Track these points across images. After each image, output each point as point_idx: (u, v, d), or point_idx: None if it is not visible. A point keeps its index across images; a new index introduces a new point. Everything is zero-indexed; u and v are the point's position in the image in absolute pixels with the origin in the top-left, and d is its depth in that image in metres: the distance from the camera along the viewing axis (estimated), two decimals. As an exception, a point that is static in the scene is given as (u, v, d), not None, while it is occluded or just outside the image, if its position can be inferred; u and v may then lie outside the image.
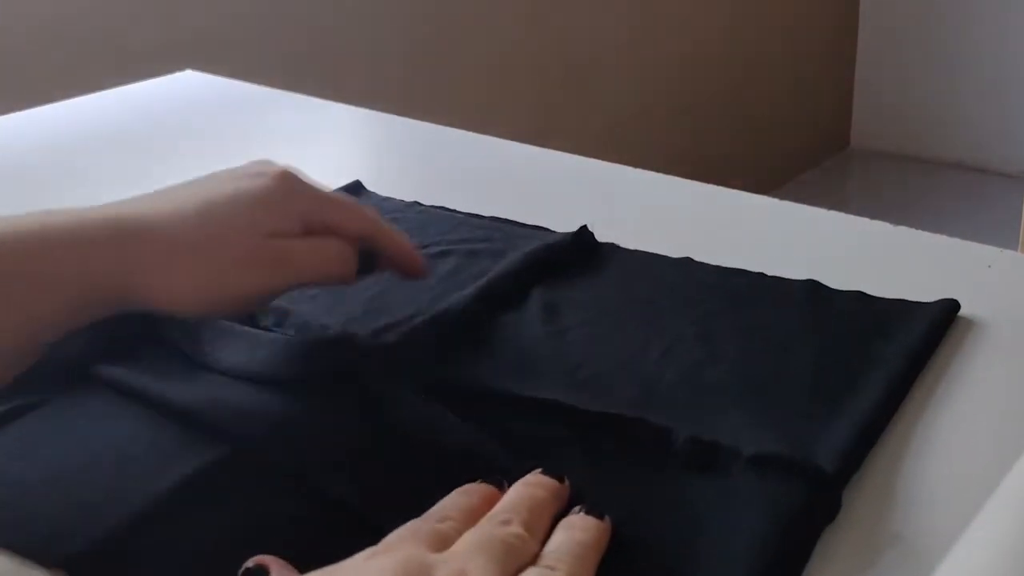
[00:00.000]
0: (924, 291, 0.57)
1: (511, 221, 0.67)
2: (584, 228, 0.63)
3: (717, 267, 0.60)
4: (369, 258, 0.52)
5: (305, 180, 0.50)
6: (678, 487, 0.42)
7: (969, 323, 0.55)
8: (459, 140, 0.85)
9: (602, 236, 0.64)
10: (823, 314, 0.54)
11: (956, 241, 0.63)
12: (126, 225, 0.46)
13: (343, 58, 1.69)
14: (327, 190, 0.52)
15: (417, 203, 0.70)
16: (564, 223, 0.65)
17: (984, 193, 2.73)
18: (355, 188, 0.72)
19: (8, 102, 0.96)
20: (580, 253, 0.62)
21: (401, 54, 1.80)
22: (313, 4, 1.63)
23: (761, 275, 0.59)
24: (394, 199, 0.71)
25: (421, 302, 0.56)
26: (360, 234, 0.50)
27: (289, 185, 0.49)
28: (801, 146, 2.88)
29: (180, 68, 1.04)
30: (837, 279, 0.59)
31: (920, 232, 0.65)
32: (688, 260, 0.61)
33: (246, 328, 0.50)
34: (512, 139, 0.83)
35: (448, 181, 0.77)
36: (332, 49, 1.67)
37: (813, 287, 0.57)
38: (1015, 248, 0.63)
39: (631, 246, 0.64)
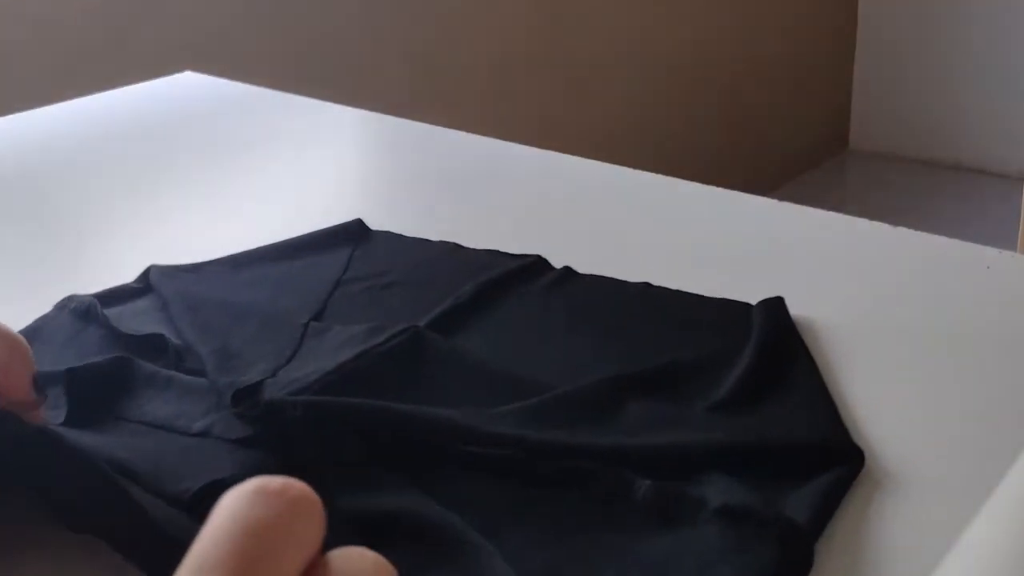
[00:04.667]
0: (923, 292, 0.58)
1: (463, 247, 0.64)
2: (539, 258, 0.61)
3: (676, 293, 0.58)
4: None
5: None
6: (640, 538, 0.40)
7: (968, 324, 0.55)
8: (458, 141, 0.85)
9: (601, 237, 0.64)
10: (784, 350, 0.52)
11: (955, 242, 0.63)
12: None
13: (343, 59, 1.69)
14: None
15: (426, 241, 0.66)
16: (564, 223, 0.65)
17: (983, 194, 2.73)
18: (358, 226, 0.67)
19: (8, 102, 0.96)
20: (533, 280, 0.59)
21: (401, 55, 1.80)
22: (313, 5, 1.63)
23: (726, 303, 0.56)
24: (404, 236, 0.66)
25: (359, 336, 0.52)
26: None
27: None
28: (800, 147, 2.88)
29: (180, 69, 1.04)
30: (835, 280, 0.60)
31: (919, 233, 0.65)
32: (646, 286, 0.58)
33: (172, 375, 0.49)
34: (511, 140, 0.84)
35: (447, 182, 0.77)
36: (332, 50, 1.67)
37: (772, 310, 0.55)
38: (1014, 249, 0.63)
39: (631, 246, 0.64)
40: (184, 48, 1.45)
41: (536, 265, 0.61)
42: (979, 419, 0.47)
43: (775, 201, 0.71)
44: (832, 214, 0.68)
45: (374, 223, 0.67)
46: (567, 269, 0.60)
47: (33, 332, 0.55)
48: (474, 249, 0.64)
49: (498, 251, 0.63)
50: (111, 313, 0.55)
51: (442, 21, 1.86)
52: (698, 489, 0.41)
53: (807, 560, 0.38)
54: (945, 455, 0.45)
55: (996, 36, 2.77)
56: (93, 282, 0.61)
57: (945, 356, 0.52)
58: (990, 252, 0.62)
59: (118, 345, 0.52)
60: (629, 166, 0.77)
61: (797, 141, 2.86)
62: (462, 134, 0.86)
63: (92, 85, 0.99)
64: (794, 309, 0.57)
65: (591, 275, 0.60)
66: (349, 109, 0.94)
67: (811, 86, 2.86)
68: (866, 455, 0.44)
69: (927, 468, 0.44)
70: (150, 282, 0.59)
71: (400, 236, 0.66)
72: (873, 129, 3.02)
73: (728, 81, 2.53)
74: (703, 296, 0.57)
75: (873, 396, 0.49)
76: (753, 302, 0.56)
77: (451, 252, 0.64)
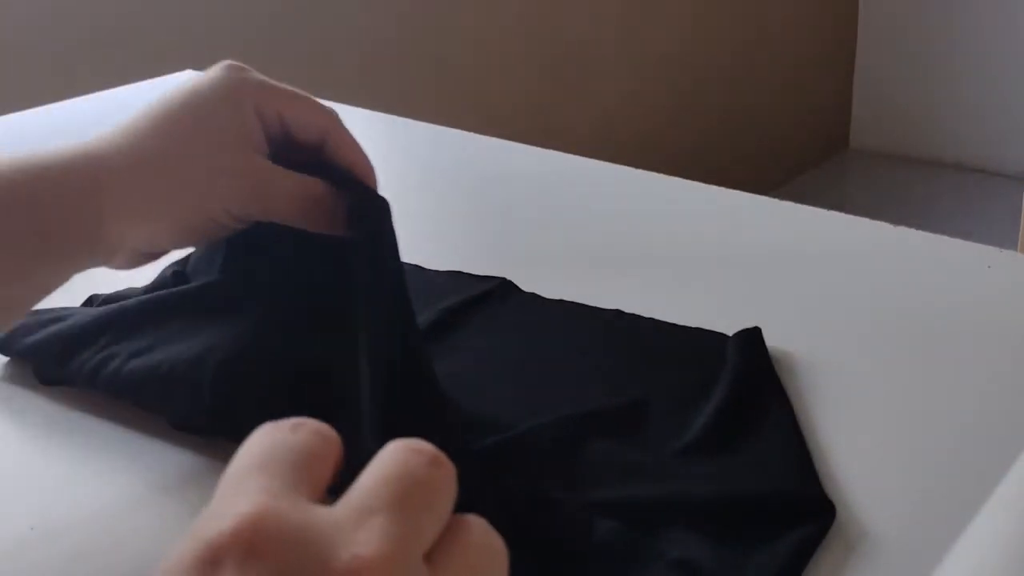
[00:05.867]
0: (924, 291, 0.57)
1: (425, 269, 0.61)
2: (503, 282, 0.59)
3: (649, 321, 0.55)
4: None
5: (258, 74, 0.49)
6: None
7: (969, 323, 0.55)
8: (457, 140, 0.85)
9: (600, 237, 0.64)
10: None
11: (956, 241, 0.63)
12: (85, 176, 0.45)
13: (342, 58, 1.69)
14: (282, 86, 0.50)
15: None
16: (564, 222, 0.65)
17: (983, 193, 2.73)
18: None
19: (8, 102, 0.96)
20: (496, 307, 0.57)
21: (399, 54, 1.80)
22: (313, 4, 1.63)
23: (700, 333, 0.54)
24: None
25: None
26: (317, 131, 0.48)
27: (240, 74, 0.48)
28: (800, 146, 2.88)
29: (180, 68, 1.04)
30: (836, 280, 0.60)
31: (919, 232, 0.64)
32: (617, 314, 0.56)
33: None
34: (510, 139, 0.83)
35: (446, 181, 0.77)
36: (331, 49, 1.67)
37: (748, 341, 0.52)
38: (1014, 248, 0.63)
39: (631, 246, 0.64)
40: (184, 48, 1.45)
41: (500, 290, 0.58)
42: (979, 419, 0.47)
43: (776, 200, 0.71)
44: (833, 213, 0.68)
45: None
46: (533, 296, 0.58)
47: (64, 313, 0.56)
48: (436, 271, 0.61)
49: (461, 273, 0.60)
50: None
51: (439, 21, 1.86)
52: (658, 541, 0.40)
53: None
54: (940, 459, 0.45)
55: (997, 35, 2.77)
56: (98, 281, 0.61)
57: (946, 355, 0.52)
58: (991, 251, 0.62)
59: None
60: (629, 165, 0.77)
61: (798, 140, 2.86)
62: (460, 133, 0.86)
63: (92, 84, 0.99)
64: (795, 308, 0.57)
65: (559, 301, 0.57)
66: (348, 108, 0.93)
67: (812, 85, 2.86)
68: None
69: (917, 479, 0.44)
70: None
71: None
72: (874, 128, 3.02)
73: (729, 80, 2.53)
74: (676, 325, 0.54)
75: (874, 395, 0.49)
76: (754, 301, 0.56)
77: (411, 274, 0.56)
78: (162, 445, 0.48)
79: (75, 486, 0.46)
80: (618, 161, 0.78)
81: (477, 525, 0.26)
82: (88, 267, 0.47)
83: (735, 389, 0.48)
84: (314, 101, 0.49)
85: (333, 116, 0.49)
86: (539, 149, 0.81)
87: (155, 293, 0.55)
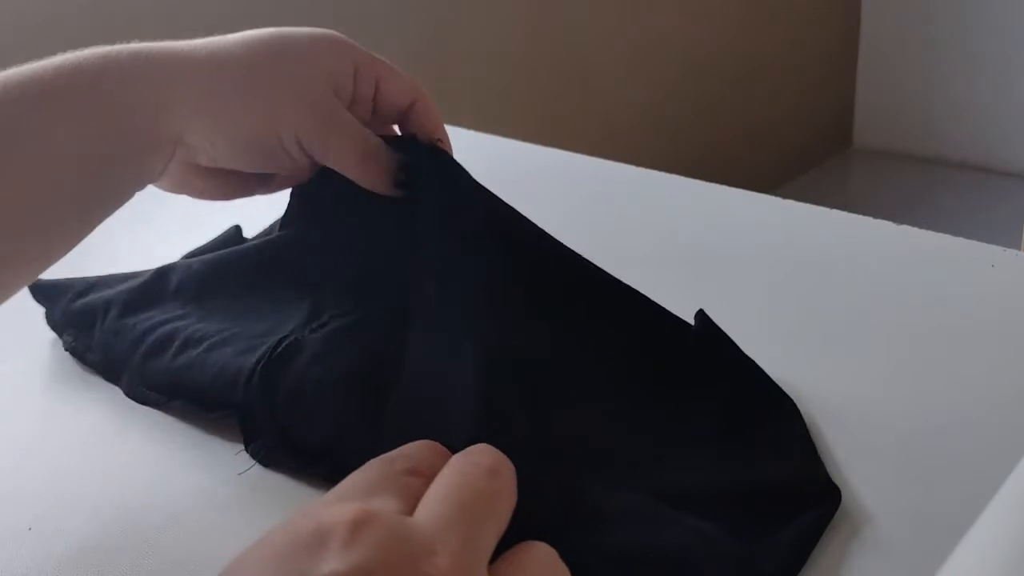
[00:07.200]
0: (927, 291, 0.57)
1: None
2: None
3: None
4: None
5: None
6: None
7: (973, 323, 0.54)
8: (458, 139, 0.85)
9: (600, 235, 0.63)
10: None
11: (959, 240, 0.63)
12: (154, 63, 0.45)
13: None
14: None
15: None
16: (563, 222, 0.65)
17: (988, 192, 2.72)
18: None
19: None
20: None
21: (401, 53, 1.80)
22: (312, 4, 1.62)
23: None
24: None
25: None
26: (408, 96, 0.50)
27: (342, 37, 0.50)
28: (803, 145, 2.87)
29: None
30: (839, 279, 0.59)
31: (923, 231, 0.64)
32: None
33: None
34: (514, 137, 0.83)
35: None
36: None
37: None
38: (1019, 248, 0.62)
39: (631, 245, 0.64)
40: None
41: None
42: (983, 418, 0.47)
43: (779, 199, 0.71)
44: (836, 212, 0.68)
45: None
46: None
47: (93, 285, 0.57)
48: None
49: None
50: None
51: (442, 20, 1.85)
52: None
53: None
54: (943, 459, 0.45)
55: (1001, 33, 2.77)
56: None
57: (948, 355, 0.52)
58: (995, 250, 0.61)
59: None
60: (632, 163, 0.77)
61: (801, 139, 2.85)
62: (462, 131, 0.86)
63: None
64: (797, 307, 0.57)
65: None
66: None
67: (815, 84, 2.86)
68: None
69: (919, 479, 0.44)
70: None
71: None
72: (877, 127, 3.01)
73: (731, 79, 2.53)
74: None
75: (876, 395, 0.49)
76: (756, 300, 0.56)
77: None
78: (162, 445, 0.48)
79: (75, 486, 0.46)
80: (619, 159, 0.77)
81: (543, 550, 0.30)
82: (146, 173, 0.46)
83: (731, 376, 0.47)
84: (403, 72, 0.51)
85: (418, 85, 0.51)
86: (539, 147, 0.81)
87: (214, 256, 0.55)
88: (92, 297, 0.56)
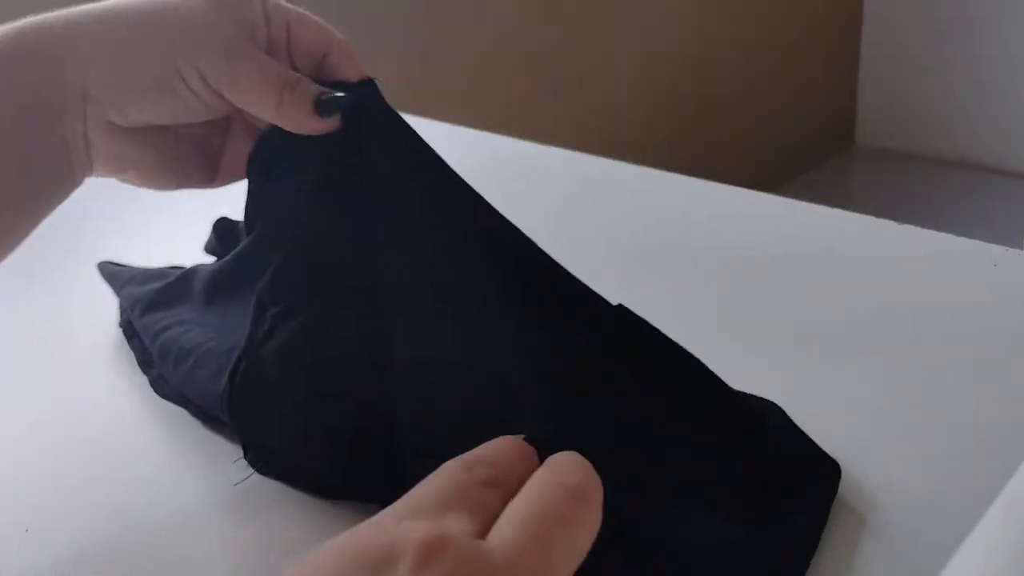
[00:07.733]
0: (929, 290, 0.57)
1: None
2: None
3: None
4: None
5: None
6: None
7: (975, 322, 0.54)
8: (458, 137, 0.85)
9: (601, 234, 0.63)
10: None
11: (962, 240, 0.63)
12: (54, 27, 0.43)
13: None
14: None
15: None
16: (564, 220, 0.65)
17: (990, 191, 2.72)
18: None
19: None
20: None
21: (401, 52, 1.80)
22: (312, 5, 1.62)
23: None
24: None
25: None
26: (322, 44, 0.48)
27: None
28: (806, 144, 2.87)
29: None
30: (842, 278, 0.59)
31: (925, 231, 0.64)
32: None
33: None
34: (512, 135, 0.83)
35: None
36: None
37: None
38: (1021, 247, 0.62)
39: (631, 244, 0.63)
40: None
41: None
42: (985, 418, 0.47)
43: (781, 198, 0.70)
44: (838, 211, 0.68)
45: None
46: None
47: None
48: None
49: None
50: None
51: (442, 19, 1.85)
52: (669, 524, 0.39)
53: None
54: (945, 460, 0.44)
55: (1004, 31, 2.76)
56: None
57: (951, 354, 0.52)
58: (997, 250, 0.61)
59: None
60: (633, 162, 0.77)
61: (803, 138, 2.85)
62: (462, 130, 0.85)
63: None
64: (799, 306, 0.57)
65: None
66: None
67: (817, 83, 2.86)
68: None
69: (922, 480, 0.44)
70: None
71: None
72: (880, 126, 3.01)
73: (733, 77, 2.53)
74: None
75: (878, 394, 0.49)
76: (757, 299, 0.56)
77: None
78: (162, 447, 0.48)
79: (73, 487, 0.46)
80: (622, 157, 0.77)
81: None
82: (71, 141, 0.44)
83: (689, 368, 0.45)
84: (323, 23, 0.49)
85: (338, 35, 0.49)
86: (540, 145, 0.81)
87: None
88: (132, 288, 0.56)
